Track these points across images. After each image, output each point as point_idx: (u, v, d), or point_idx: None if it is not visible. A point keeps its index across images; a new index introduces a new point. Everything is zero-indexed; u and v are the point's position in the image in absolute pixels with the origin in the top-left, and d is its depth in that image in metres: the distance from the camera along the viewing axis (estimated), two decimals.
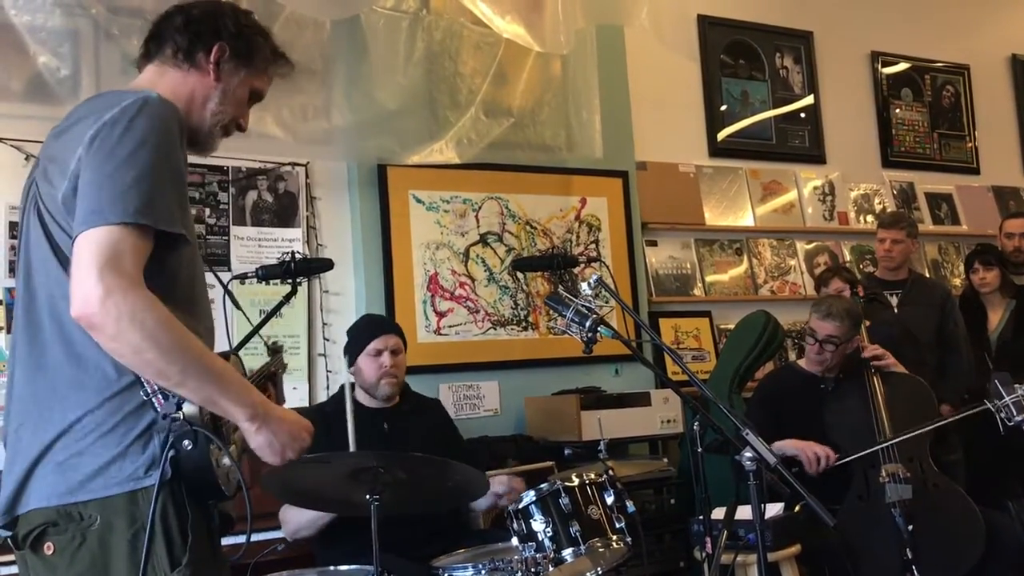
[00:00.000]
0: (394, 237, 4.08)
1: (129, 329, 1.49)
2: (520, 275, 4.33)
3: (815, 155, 5.47)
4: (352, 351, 3.23)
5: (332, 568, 2.65)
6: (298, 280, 2.72)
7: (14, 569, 1.75)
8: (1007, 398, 3.18)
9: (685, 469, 3.84)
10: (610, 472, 2.73)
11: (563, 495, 2.62)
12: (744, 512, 2.56)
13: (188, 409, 1.59)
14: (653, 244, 4.86)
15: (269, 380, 1.99)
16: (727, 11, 5.29)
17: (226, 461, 1.63)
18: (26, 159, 3.37)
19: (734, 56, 5.30)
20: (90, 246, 1.50)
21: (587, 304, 2.28)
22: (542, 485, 2.67)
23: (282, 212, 3.97)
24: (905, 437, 3.31)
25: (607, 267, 4.33)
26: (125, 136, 1.57)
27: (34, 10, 3.32)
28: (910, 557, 3.10)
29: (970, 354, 4.54)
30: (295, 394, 3.79)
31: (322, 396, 3.85)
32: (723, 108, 5.22)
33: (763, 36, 5.40)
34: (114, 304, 1.48)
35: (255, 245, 3.89)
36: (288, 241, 3.93)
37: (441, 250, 4.19)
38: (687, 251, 4.97)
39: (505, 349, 4.26)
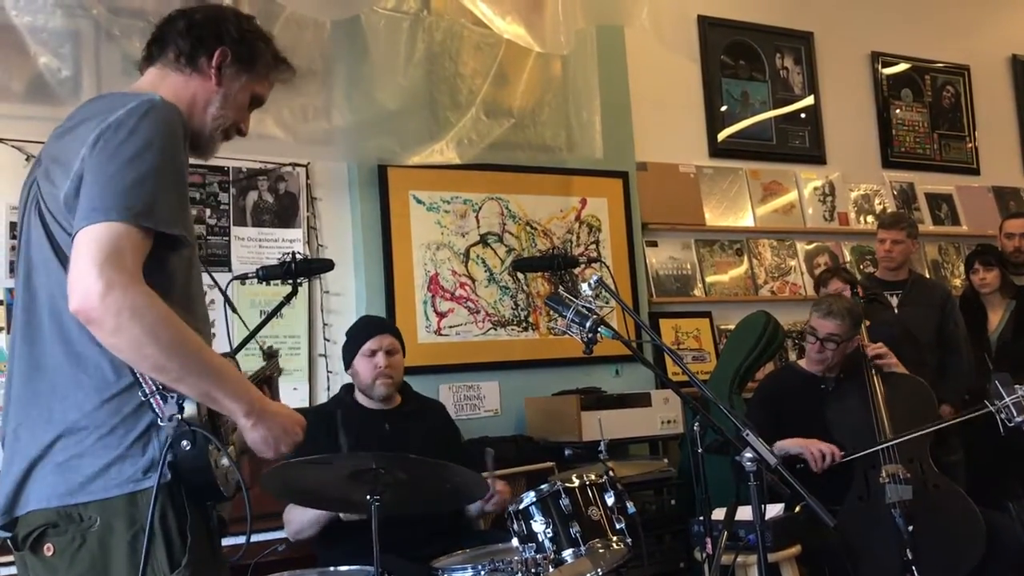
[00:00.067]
0: (394, 237, 4.08)
1: (129, 324, 1.49)
2: (520, 275, 4.34)
3: (815, 155, 5.47)
4: (348, 353, 3.24)
5: (332, 569, 2.65)
6: (299, 281, 2.72)
7: (14, 570, 1.74)
8: (1007, 399, 3.18)
9: (685, 470, 3.84)
10: (610, 473, 2.73)
11: (563, 496, 2.62)
12: (744, 513, 2.56)
13: (187, 410, 1.59)
14: (653, 245, 4.86)
15: (265, 384, 1.99)
16: (727, 12, 5.30)
17: (224, 462, 1.63)
18: (27, 159, 3.37)
19: (734, 57, 5.30)
20: (91, 242, 1.51)
21: (587, 305, 2.29)
22: (542, 486, 2.67)
23: (283, 212, 3.97)
24: (907, 438, 3.30)
25: (607, 268, 4.33)
26: (130, 138, 1.58)
27: (35, 11, 3.32)
28: (910, 558, 3.10)
29: (970, 354, 4.54)
30: (295, 394, 3.79)
31: (323, 396, 3.85)
32: (723, 109, 5.23)
33: (763, 37, 5.40)
34: (114, 299, 1.48)
35: (256, 245, 3.89)
36: (289, 241, 3.94)
37: (441, 250, 4.19)
38: (687, 251, 4.97)
39: (505, 349, 4.26)
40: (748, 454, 2.13)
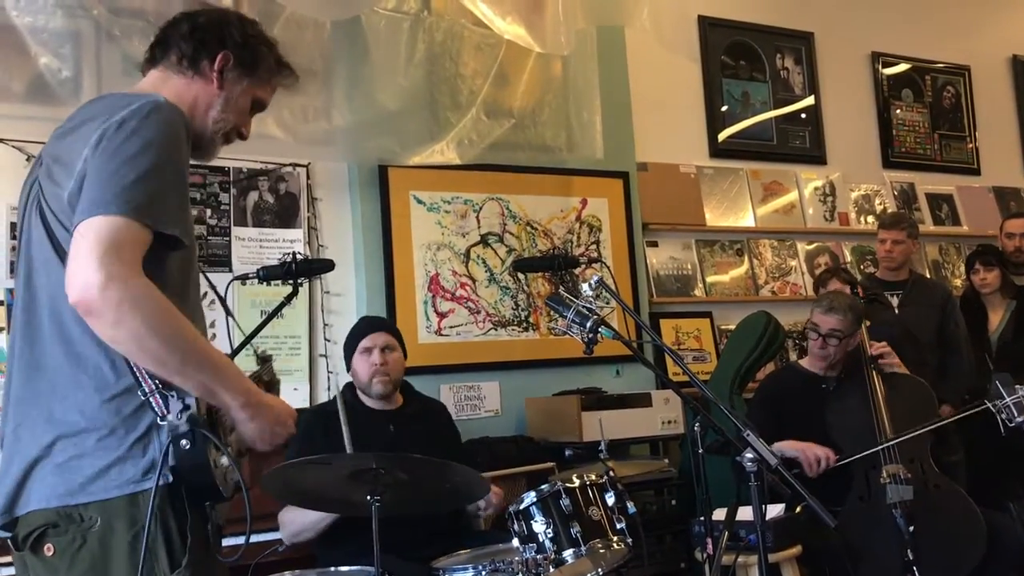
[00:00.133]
0: (395, 238, 4.08)
1: (130, 316, 1.49)
2: (521, 276, 4.34)
3: (816, 156, 5.47)
4: (347, 353, 3.25)
5: (333, 569, 2.65)
6: (299, 281, 2.72)
7: (14, 570, 1.74)
8: (1008, 399, 3.18)
9: (686, 470, 3.84)
10: (611, 473, 2.73)
11: (564, 496, 2.62)
12: (745, 513, 2.56)
13: (191, 410, 1.59)
14: (654, 245, 4.86)
15: (258, 384, 1.99)
16: (728, 12, 5.30)
17: (224, 461, 1.63)
18: (27, 160, 3.37)
19: (735, 57, 5.30)
20: (91, 234, 1.50)
21: (588, 305, 2.29)
22: (543, 486, 2.67)
23: (283, 213, 3.97)
24: (905, 437, 3.30)
25: (608, 268, 4.33)
26: (132, 137, 1.58)
27: (35, 11, 3.32)
28: (911, 558, 3.10)
29: (971, 355, 4.54)
30: (296, 394, 3.79)
31: (323, 397, 3.85)
32: (724, 109, 5.23)
33: (764, 37, 5.40)
34: (115, 291, 1.48)
35: (256, 246, 3.89)
36: (289, 242, 3.94)
37: (442, 251, 4.19)
38: (688, 252, 4.97)
39: (506, 350, 4.26)
40: (749, 454, 2.13)
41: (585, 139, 4.40)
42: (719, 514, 2.95)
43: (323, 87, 3.86)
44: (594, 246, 4.54)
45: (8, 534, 1.68)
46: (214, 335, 3.43)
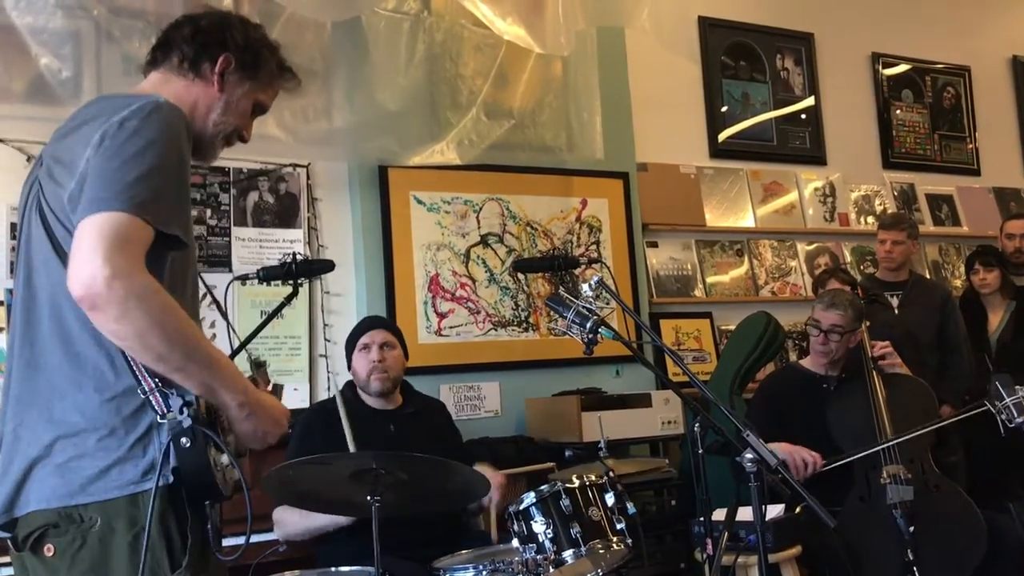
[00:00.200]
0: (395, 238, 4.08)
1: (136, 311, 1.49)
2: (521, 276, 4.34)
3: (816, 156, 5.47)
4: (347, 352, 3.28)
5: (333, 569, 2.65)
6: (299, 281, 2.72)
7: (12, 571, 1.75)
8: (1008, 399, 3.18)
9: (686, 470, 3.84)
10: (611, 473, 2.73)
11: (564, 496, 2.62)
12: (745, 513, 2.56)
13: (192, 407, 1.59)
14: (654, 245, 4.86)
15: None
16: (728, 13, 5.30)
17: (224, 460, 1.63)
18: (27, 160, 3.37)
19: (735, 57, 5.30)
20: (95, 229, 1.50)
21: (588, 305, 2.29)
22: (543, 486, 2.67)
23: (283, 213, 3.97)
24: (906, 438, 3.30)
25: (608, 268, 4.33)
26: (133, 136, 1.58)
27: (36, 12, 3.32)
28: (911, 559, 3.10)
29: (970, 355, 4.54)
30: (296, 395, 3.79)
31: (323, 397, 3.85)
32: (724, 109, 5.23)
33: (764, 38, 5.40)
34: (121, 285, 1.48)
35: (256, 246, 3.89)
36: (289, 242, 3.94)
37: (442, 251, 4.19)
38: (688, 252, 4.97)
39: (506, 350, 4.26)
40: (748, 455, 2.13)
41: (585, 139, 4.40)
42: (719, 514, 2.95)
43: (323, 87, 3.86)
44: (594, 246, 4.54)
45: (8, 535, 1.68)
46: (214, 336, 3.43)
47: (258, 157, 3.85)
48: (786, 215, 5.30)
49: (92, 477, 1.58)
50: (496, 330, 4.26)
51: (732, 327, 4.64)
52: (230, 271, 3.78)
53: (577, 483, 2.67)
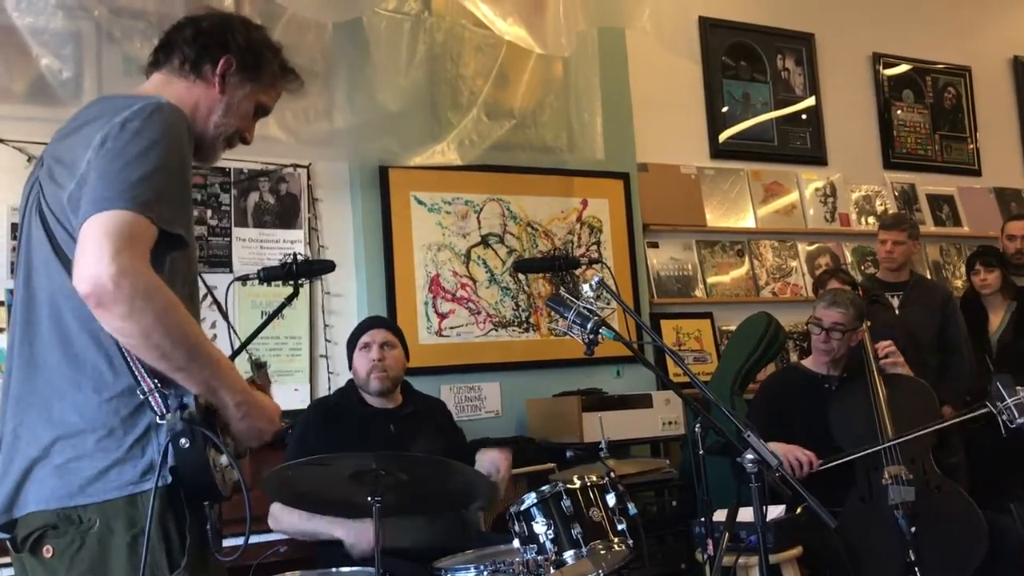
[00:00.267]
0: (395, 238, 4.08)
1: (143, 309, 1.49)
2: (521, 277, 4.34)
3: (816, 157, 5.47)
4: (348, 352, 3.28)
5: (334, 570, 2.65)
6: (300, 281, 2.72)
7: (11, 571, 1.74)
8: (1008, 400, 3.18)
9: (687, 471, 3.84)
10: (612, 474, 2.73)
11: (565, 497, 2.62)
12: (746, 514, 2.56)
13: (189, 408, 1.59)
14: (654, 246, 4.86)
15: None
16: (728, 13, 5.30)
17: (223, 460, 1.63)
18: (28, 161, 3.37)
19: (735, 58, 5.30)
20: (101, 227, 1.50)
21: (588, 306, 2.29)
22: (544, 487, 2.66)
23: (284, 213, 3.97)
24: (907, 438, 3.30)
25: (608, 269, 4.33)
26: (135, 137, 1.58)
27: (36, 12, 3.32)
28: (913, 559, 3.10)
29: (971, 356, 4.54)
30: (296, 395, 3.79)
31: None
32: (724, 110, 5.23)
33: (764, 38, 5.40)
34: (128, 283, 1.48)
35: (257, 246, 3.89)
36: (290, 242, 3.94)
37: (442, 251, 4.19)
38: (688, 252, 4.97)
39: (506, 351, 4.26)
40: (749, 455, 2.13)
41: (586, 140, 4.40)
42: (720, 515, 2.95)
43: (324, 88, 3.87)
44: (595, 247, 4.54)
45: (7, 535, 1.68)
46: (214, 336, 3.43)
47: (259, 157, 3.85)
48: (787, 215, 5.30)
49: (91, 478, 1.58)
50: (497, 330, 4.26)
51: (733, 327, 4.64)
52: (231, 271, 3.78)
53: (578, 484, 2.67)
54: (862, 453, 3.31)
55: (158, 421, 1.59)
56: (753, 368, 4.26)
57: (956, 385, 4.32)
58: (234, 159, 3.80)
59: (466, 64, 4.18)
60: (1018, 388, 3.19)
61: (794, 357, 4.94)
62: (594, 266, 4.39)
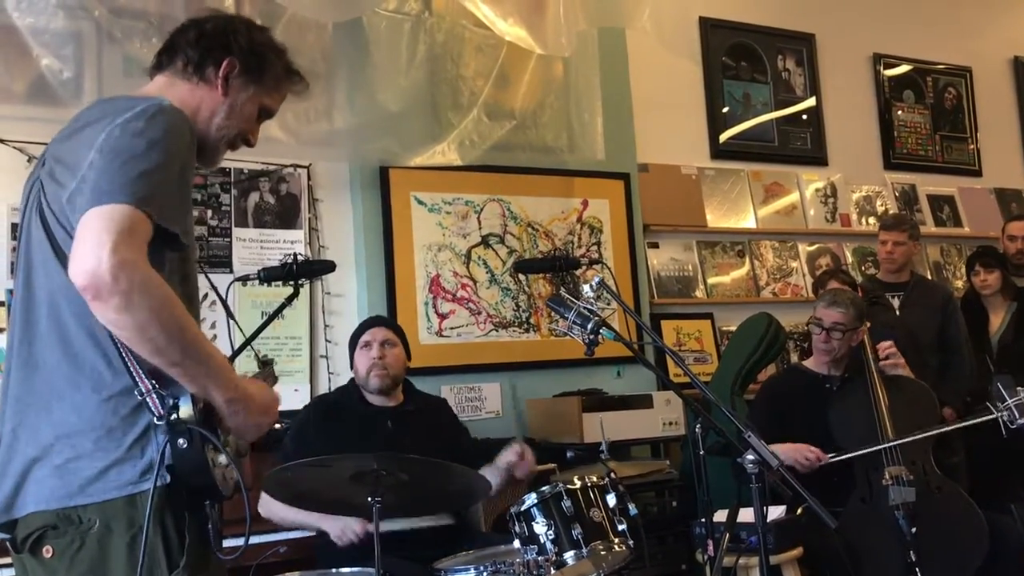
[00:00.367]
0: (396, 239, 4.08)
1: (139, 302, 1.48)
2: (522, 277, 4.34)
3: (817, 157, 5.47)
4: (350, 351, 3.28)
5: (334, 570, 2.65)
6: (300, 282, 2.72)
7: (13, 571, 1.74)
8: (1009, 401, 3.18)
9: (687, 471, 3.83)
10: (612, 474, 2.73)
11: (565, 497, 2.62)
12: (746, 515, 2.56)
13: (182, 409, 1.59)
14: (655, 246, 4.86)
15: None
16: (729, 13, 5.30)
17: (222, 460, 1.63)
18: (28, 161, 3.37)
19: (736, 58, 5.30)
20: (100, 219, 1.49)
21: (589, 306, 2.29)
22: (544, 487, 2.67)
23: (284, 214, 3.97)
24: (911, 439, 3.30)
25: (609, 269, 4.33)
26: (138, 136, 1.58)
27: (37, 12, 3.32)
28: (913, 560, 3.10)
29: (972, 356, 4.53)
30: (296, 395, 3.79)
31: None
32: (725, 110, 5.23)
33: (765, 38, 5.40)
34: (126, 276, 1.47)
35: (257, 247, 3.89)
36: (290, 243, 3.94)
37: (443, 252, 4.19)
38: (689, 253, 4.97)
39: (507, 351, 4.26)
40: (750, 456, 2.13)
41: (586, 140, 4.40)
42: (720, 516, 2.95)
43: (324, 88, 3.86)
44: (595, 247, 4.54)
45: (7, 536, 1.68)
46: (215, 336, 3.43)
47: (259, 158, 3.85)
48: (787, 216, 5.30)
49: (90, 478, 1.58)
50: (497, 331, 4.26)
51: (733, 328, 4.63)
52: (231, 272, 3.78)
53: (579, 484, 2.67)
54: (870, 450, 3.31)
55: (156, 422, 1.59)
56: (753, 368, 4.26)
57: (956, 386, 4.32)
58: (234, 159, 3.80)
59: (466, 64, 4.18)
60: (1018, 389, 3.19)
61: (794, 358, 4.94)
62: (594, 266, 4.39)
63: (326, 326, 3.95)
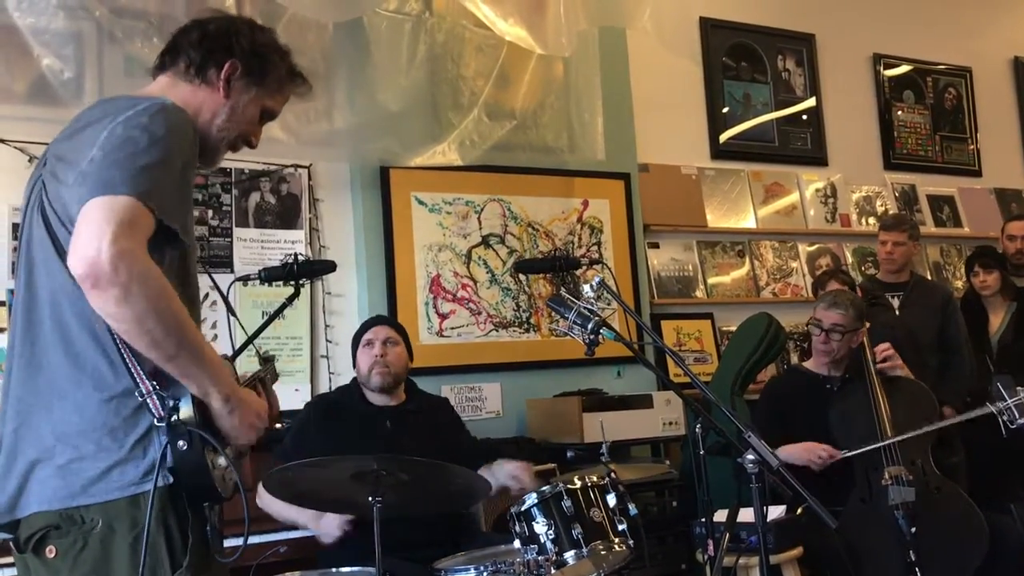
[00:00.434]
0: (396, 239, 4.08)
1: (138, 294, 1.48)
2: (522, 277, 4.34)
3: (817, 157, 5.47)
4: (352, 350, 3.28)
5: (334, 570, 2.65)
6: (300, 282, 2.72)
7: (15, 571, 1.75)
8: (1009, 400, 3.19)
9: (687, 471, 3.84)
10: (612, 474, 2.73)
11: (565, 497, 2.62)
12: (746, 514, 2.56)
13: (183, 411, 1.59)
14: (655, 246, 4.86)
15: (259, 383, 1.99)
16: (729, 13, 5.30)
17: (222, 461, 1.63)
18: (29, 161, 3.37)
19: (736, 58, 5.30)
20: (101, 210, 1.49)
21: (589, 306, 2.29)
22: (544, 487, 2.67)
23: (285, 214, 3.97)
24: (911, 435, 3.30)
25: (609, 269, 4.33)
26: (141, 131, 1.59)
27: (38, 12, 3.32)
28: (913, 559, 3.10)
29: (971, 356, 4.54)
30: (297, 395, 3.79)
31: None
32: (725, 110, 5.23)
33: (765, 38, 5.40)
34: (126, 266, 1.47)
35: (258, 247, 3.89)
36: (291, 243, 3.94)
37: (443, 252, 4.19)
38: (689, 253, 4.97)
39: (507, 351, 4.26)
40: (750, 456, 2.13)
41: (586, 140, 4.40)
42: (720, 515, 2.95)
43: (325, 88, 3.86)
44: (595, 247, 4.54)
45: (10, 535, 1.68)
46: (215, 336, 3.43)
47: (260, 158, 3.84)
48: (787, 216, 5.30)
49: (93, 478, 1.58)
50: (497, 331, 4.26)
51: (733, 328, 4.64)
52: (232, 272, 3.78)
53: (579, 484, 2.67)
54: (877, 446, 3.31)
55: (157, 423, 1.59)
56: (754, 369, 4.26)
57: (956, 386, 4.32)
58: (235, 159, 3.80)
59: (467, 64, 4.18)
60: (1018, 389, 3.20)
61: (794, 358, 4.94)
62: (595, 267, 4.39)
63: (326, 326, 3.95)
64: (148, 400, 1.59)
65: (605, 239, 4.58)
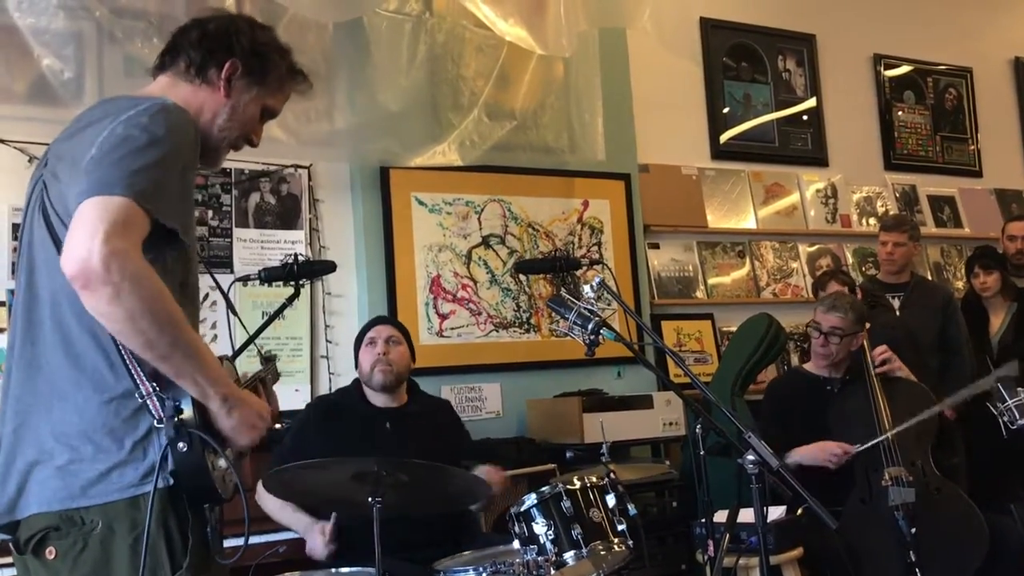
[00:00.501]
0: (396, 239, 4.08)
1: (130, 293, 1.47)
2: (522, 277, 4.34)
3: (817, 158, 5.47)
4: (355, 350, 3.28)
5: (334, 570, 2.65)
6: (300, 282, 2.72)
7: (14, 571, 1.75)
8: (1010, 401, 3.18)
9: (687, 472, 3.84)
10: (612, 475, 2.73)
11: (565, 498, 2.62)
12: (746, 515, 2.56)
13: (183, 414, 1.59)
14: (655, 246, 4.86)
15: (260, 383, 1.99)
16: (729, 14, 5.29)
17: (222, 463, 1.63)
18: (29, 161, 3.37)
19: (736, 59, 5.30)
20: (95, 210, 1.49)
21: (589, 307, 2.29)
22: (544, 488, 2.67)
23: (285, 214, 3.97)
24: (916, 420, 3.31)
25: (609, 270, 4.32)
26: (141, 131, 1.59)
27: (38, 12, 3.32)
28: (913, 560, 3.10)
29: (972, 357, 4.53)
30: (297, 396, 3.79)
31: None
32: (725, 111, 5.23)
33: (765, 39, 5.40)
34: (118, 266, 1.46)
35: (258, 247, 3.89)
36: (290, 243, 3.94)
37: (443, 252, 4.19)
38: (689, 253, 4.97)
39: (507, 351, 4.26)
40: (750, 456, 2.13)
41: (586, 141, 4.40)
42: (720, 516, 2.95)
43: (325, 89, 3.86)
44: (595, 248, 4.54)
45: (9, 536, 1.68)
46: (215, 336, 3.43)
47: (260, 158, 3.84)
48: (788, 216, 5.30)
49: (93, 480, 1.58)
50: (497, 331, 4.26)
51: (733, 328, 4.63)
52: (231, 272, 3.78)
53: (578, 484, 2.67)
54: (878, 440, 3.32)
55: (157, 425, 1.59)
56: (754, 369, 4.25)
57: (956, 386, 4.31)
58: (235, 159, 3.79)
59: (467, 65, 4.18)
60: (1019, 389, 3.19)
61: (795, 358, 4.94)
62: (595, 267, 4.39)
63: (327, 326, 3.95)
64: (148, 402, 1.59)
65: (605, 239, 4.58)
